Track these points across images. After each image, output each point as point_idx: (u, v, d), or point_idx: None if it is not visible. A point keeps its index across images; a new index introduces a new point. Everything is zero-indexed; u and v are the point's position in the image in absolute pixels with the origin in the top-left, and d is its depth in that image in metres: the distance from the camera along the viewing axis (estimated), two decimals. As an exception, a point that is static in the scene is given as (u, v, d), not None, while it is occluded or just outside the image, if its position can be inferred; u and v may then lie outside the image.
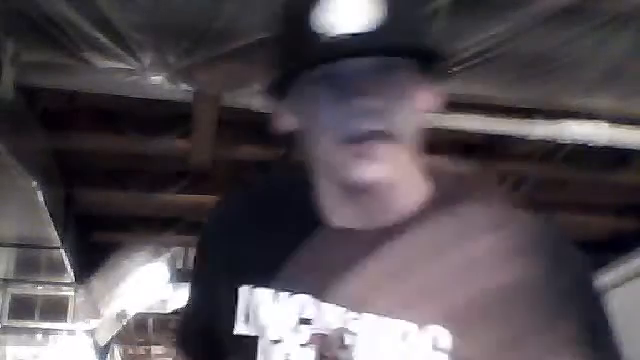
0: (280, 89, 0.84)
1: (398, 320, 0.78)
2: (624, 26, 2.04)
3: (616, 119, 2.62)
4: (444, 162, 0.90)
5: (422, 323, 0.77)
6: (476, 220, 0.84)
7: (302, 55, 0.78)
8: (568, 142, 2.73)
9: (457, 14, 1.96)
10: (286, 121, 0.87)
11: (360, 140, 0.77)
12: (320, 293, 0.82)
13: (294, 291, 0.84)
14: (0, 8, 1.93)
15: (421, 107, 0.83)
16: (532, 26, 2.00)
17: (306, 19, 0.77)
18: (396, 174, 0.80)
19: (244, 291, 0.87)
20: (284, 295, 0.84)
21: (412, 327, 0.77)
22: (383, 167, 0.78)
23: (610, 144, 2.69)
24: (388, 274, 0.81)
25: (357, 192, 0.82)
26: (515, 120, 2.64)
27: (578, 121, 2.61)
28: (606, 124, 2.62)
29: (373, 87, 0.77)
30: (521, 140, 2.83)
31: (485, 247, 0.81)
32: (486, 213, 0.85)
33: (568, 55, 2.13)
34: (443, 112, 2.55)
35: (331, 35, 0.75)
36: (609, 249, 3.96)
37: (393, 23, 0.76)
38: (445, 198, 0.86)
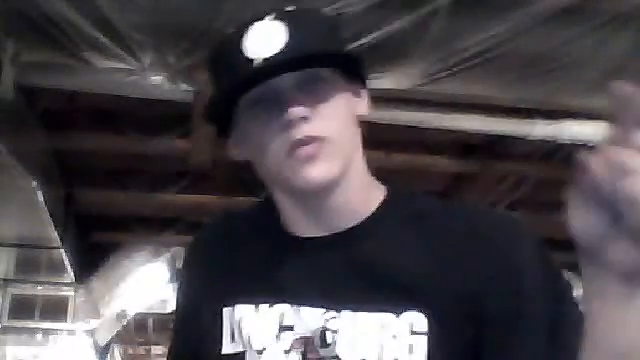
0: (222, 124, 0.93)
1: (375, 313, 0.83)
2: (624, 26, 2.04)
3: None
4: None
5: (398, 312, 0.82)
6: (430, 215, 0.89)
7: (229, 82, 0.87)
8: (568, 142, 2.74)
9: (457, 14, 1.96)
10: (238, 151, 0.95)
11: (297, 147, 0.84)
12: (298, 299, 0.88)
13: (273, 302, 0.89)
14: (0, 8, 1.93)
15: (350, 108, 0.90)
16: (532, 26, 2.00)
17: (229, 53, 0.87)
18: (338, 173, 0.86)
19: (227, 311, 0.92)
20: (264, 307, 0.89)
21: (389, 317, 0.82)
22: (324, 166, 0.84)
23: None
24: (357, 272, 0.86)
25: (309, 198, 0.88)
26: (515, 120, 2.64)
27: (578, 121, 2.62)
28: (606, 124, 2.62)
29: (300, 98, 0.84)
30: (521, 140, 2.83)
31: (444, 238, 0.86)
32: (439, 207, 0.91)
33: (568, 55, 2.14)
34: (443, 112, 2.56)
35: (254, 61, 0.84)
36: (609, 249, 3.95)
37: (303, 40, 0.84)
38: (398, 199, 0.92)
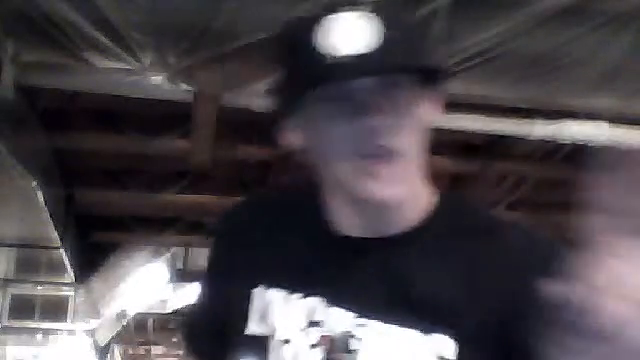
0: (288, 106, 0.87)
1: (404, 328, 0.80)
2: (624, 26, 2.04)
3: (616, 119, 2.62)
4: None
5: (427, 332, 0.79)
6: (476, 233, 0.86)
7: (310, 76, 0.80)
8: (568, 142, 2.73)
9: (457, 14, 1.96)
10: (293, 137, 0.89)
11: (370, 158, 0.80)
12: (329, 297, 0.85)
13: (305, 294, 0.87)
14: (0, 8, 1.93)
15: (425, 119, 0.86)
16: (532, 26, 2.00)
17: (311, 41, 0.79)
18: (404, 192, 0.83)
19: (258, 292, 0.90)
20: (295, 297, 0.87)
21: (417, 335, 0.80)
22: (393, 187, 0.82)
23: (610, 144, 2.69)
24: (395, 282, 0.84)
25: (367, 206, 0.85)
26: (515, 120, 2.64)
27: (578, 121, 2.61)
28: (606, 124, 2.62)
29: (380, 105, 0.80)
30: (521, 140, 2.83)
31: (484, 260, 0.83)
32: (485, 226, 0.87)
33: (568, 55, 2.13)
34: (443, 112, 2.56)
35: (337, 56, 0.78)
36: (609, 249, 3.95)
37: (394, 42, 0.78)
38: (448, 210, 0.89)
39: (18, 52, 2.11)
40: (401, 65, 0.81)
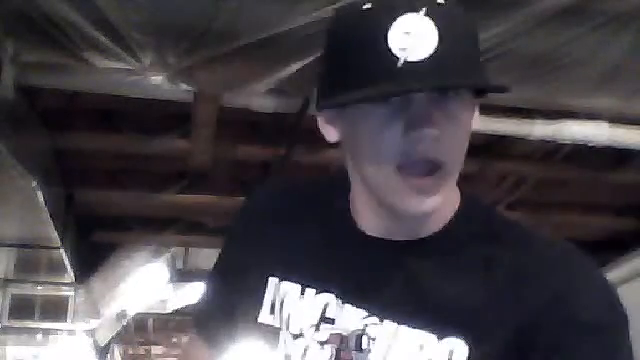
0: (338, 98, 0.80)
1: (418, 330, 0.80)
2: (624, 26, 2.04)
3: (616, 119, 2.62)
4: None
5: (441, 335, 0.79)
6: (495, 240, 0.85)
7: (380, 75, 0.75)
8: (568, 142, 2.73)
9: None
10: (332, 130, 0.86)
11: (417, 172, 0.77)
12: (345, 295, 0.85)
13: (320, 289, 0.86)
14: (0, 8, 1.93)
15: (470, 128, 0.84)
16: (532, 26, 1.99)
17: (381, 37, 0.74)
18: (442, 202, 0.82)
19: (273, 282, 0.90)
20: (310, 292, 0.87)
21: (431, 338, 0.79)
22: (437, 201, 0.80)
23: (610, 144, 2.69)
24: (411, 285, 0.83)
25: (397, 214, 0.83)
26: (515, 120, 2.64)
27: (578, 121, 2.61)
28: (606, 124, 2.62)
29: (435, 117, 0.76)
30: (521, 140, 2.83)
31: (503, 267, 0.82)
32: (505, 233, 0.86)
33: (568, 55, 2.13)
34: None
35: (409, 61, 0.73)
36: (609, 249, 3.95)
37: (458, 50, 0.75)
38: (469, 215, 0.87)
39: (18, 52, 2.11)
40: (471, 82, 0.79)
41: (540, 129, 2.63)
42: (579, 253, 0.83)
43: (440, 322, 0.80)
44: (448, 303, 0.81)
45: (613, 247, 3.96)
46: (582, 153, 3.02)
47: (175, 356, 8.00)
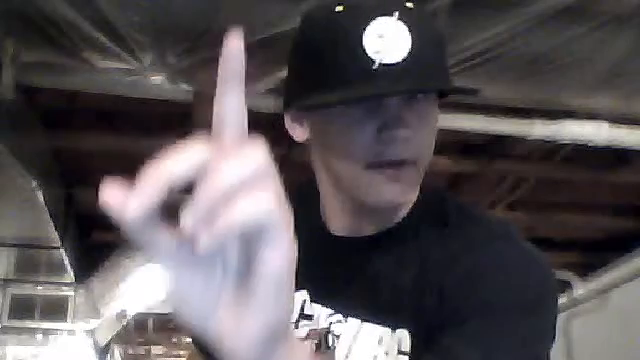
0: (308, 99, 0.82)
1: (377, 325, 0.82)
2: (624, 26, 2.04)
3: (616, 119, 2.62)
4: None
5: (394, 327, 0.81)
6: (435, 229, 0.85)
7: (351, 80, 0.77)
8: (568, 142, 2.73)
9: (457, 14, 1.96)
10: (300, 129, 0.87)
11: (393, 166, 0.80)
12: (315, 295, 0.88)
13: (297, 287, 0.86)
14: (0, 8, 1.93)
15: (436, 125, 0.86)
16: (532, 26, 2.00)
17: (355, 40, 0.76)
18: (413, 196, 0.85)
19: None
20: None
21: (387, 331, 0.81)
22: (409, 191, 0.83)
23: (610, 144, 2.69)
24: (372, 281, 0.85)
25: (372, 209, 0.85)
26: (515, 120, 2.64)
27: (578, 121, 2.61)
28: (606, 124, 2.62)
29: (407, 116, 0.79)
30: (521, 140, 2.83)
31: (435, 256, 0.82)
32: (445, 222, 0.86)
33: (568, 55, 2.13)
34: (443, 112, 2.56)
35: (384, 63, 0.75)
36: (609, 249, 3.96)
37: (430, 53, 0.78)
38: (422, 208, 0.88)
39: (18, 52, 2.11)
40: (446, 85, 0.82)
41: (540, 129, 2.63)
42: (507, 235, 0.82)
43: (391, 314, 0.81)
44: (397, 294, 0.82)
45: (613, 247, 3.96)
46: (582, 153, 3.02)
47: (175, 356, 8.00)
